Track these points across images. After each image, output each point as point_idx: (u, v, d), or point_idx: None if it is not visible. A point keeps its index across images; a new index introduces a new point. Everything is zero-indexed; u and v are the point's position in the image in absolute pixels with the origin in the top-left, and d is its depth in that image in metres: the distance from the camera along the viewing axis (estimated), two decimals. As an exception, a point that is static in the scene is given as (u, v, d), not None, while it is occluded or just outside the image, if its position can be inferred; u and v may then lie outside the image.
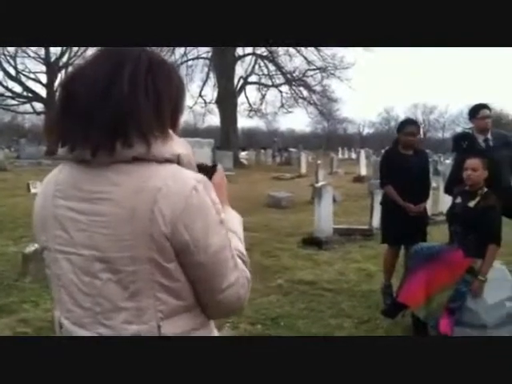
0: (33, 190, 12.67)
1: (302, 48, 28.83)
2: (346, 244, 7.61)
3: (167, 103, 1.18)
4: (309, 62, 31.48)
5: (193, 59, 31.41)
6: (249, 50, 30.70)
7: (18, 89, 34.09)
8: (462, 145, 4.91)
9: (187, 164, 1.17)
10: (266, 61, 32.51)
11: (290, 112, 35.25)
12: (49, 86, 33.50)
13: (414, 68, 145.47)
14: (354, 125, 74.03)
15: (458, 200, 4.10)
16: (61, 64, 34.02)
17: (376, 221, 7.68)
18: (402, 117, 58.30)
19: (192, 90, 31.83)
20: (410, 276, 3.99)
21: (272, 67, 32.61)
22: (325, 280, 5.68)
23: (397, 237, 4.88)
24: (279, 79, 33.33)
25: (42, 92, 34.14)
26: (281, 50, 30.28)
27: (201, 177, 1.16)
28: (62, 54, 33.88)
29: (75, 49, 31.79)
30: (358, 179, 19.05)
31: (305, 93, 33.19)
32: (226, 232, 1.18)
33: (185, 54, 30.19)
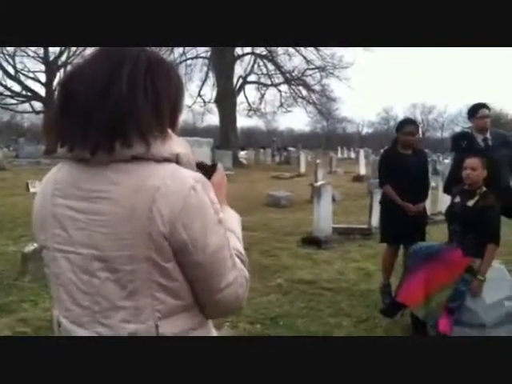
0: (32, 190, 12.65)
1: (301, 47, 28.83)
2: (345, 243, 7.62)
3: (166, 102, 1.18)
4: (308, 62, 31.49)
5: (192, 58, 31.41)
6: (248, 49, 30.68)
7: (16, 88, 34.15)
8: (461, 144, 4.91)
9: (186, 163, 1.17)
10: (265, 60, 32.50)
11: (289, 111, 35.29)
12: (48, 85, 33.50)
13: (413, 68, 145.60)
14: (353, 124, 74.12)
15: (457, 199, 4.10)
16: (60, 63, 34.04)
17: (375, 220, 7.68)
18: (401, 116, 58.42)
19: (191, 89, 31.91)
20: (409, 275, 3.99)
21: (271, 66, 32.62)
22: (324, 279, 5.68)
23: (396, 236, 4.88)
24: (278, 78, 33.34)
25: (41, 91, 34.21)
26: (280, 49, 30.28)
27: (199, 176, 1.16)
28: (61, 54, 33.91)
29: (74, 48, 31.77)
30: (357, 179, 19.07)
31: (304, 92, 33.20)
32: (225, 231, 1.18)
33: (184, 53, 30.16)
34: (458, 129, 46.43)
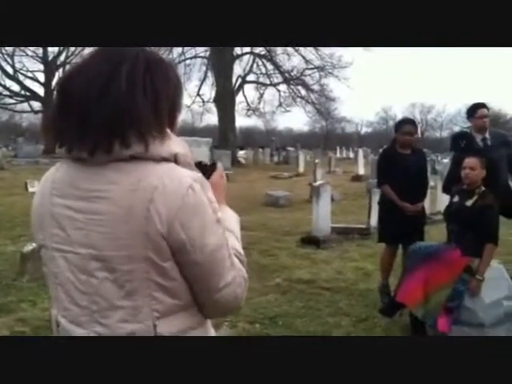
0: (30, 189, 12.66)
1: (300, 47, 28.84)
2: (343, 243, 7.62)
3: (165, 102, 1.17)
4: (307, 61, 31.48)
5: (191, 58, 31.39)
6: (247, 49, 30.65)
7: (15, 87, 34.08)
8: (460, 144, 4.92)
9: (184, 163, 1.17)
10: (264, 60, 32.48)
11: (288, 111, 35.26)
12: (46, 84, 33.42)
13: (412, 67, 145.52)
14: (352, 124, 74.05)
15: (456, 199, 4.10)
16: (58, 63, 33.96)
17: (374, 220, 7.67)
18: (399, 116, 58.31)
19: (190, 88, 31.87)
20: (407, 275, 3.99)
21: (270, 66, 32.60)
22: (323, 279, 5.69)
23: (394, 236, 4.88)
24: (277, 78, 33.32)
25: (40, 91, 34.13)
26: (279, 49, 30.26)
27: (197, 176, 1.16)
28: (60, 53, 33.84)
29: (73, 48, 31.73)
30: (356, 178, 19.08)
31: (303, 92, 33.20)
32: (223, 231, 1.18)
33: (183, 53, 30.15)
34: (456, 128, 46.49)
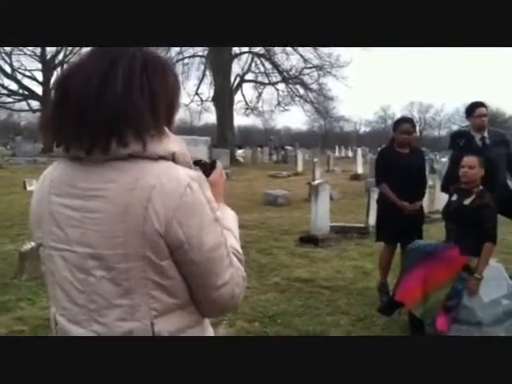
0: (29, 188, 12.66)
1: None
2: (342, 242, 7.62)
3: (162, 101, 1.17)
4: (305, 60, 31.54)
5: (189, 57, 31.41)
6: (245, 48, 30.69)
7: (13, 86, 34.04)
8: (459, 143, 4.92)
9: (182, 162, 1.17)
10: (262, 59, 32.52)
11: (287, 110, 35.36)
12: (45, 83, 33.38)
13: (411, 67, 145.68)
14: (350, 123, 74.01)
15: (454, 198, 4.11)
16: (57, 62, 33.90)
17: (373, 219, 7.66)
18: (398, 115, 58.36)
19: (188, 87, 31.99)
20: (406, 274, 3.99)
21: (268, 65, 32.65)
22: (321, 278, 5.69)
23: (393, 235, 4.88)
24: (276, 77, 33.37)
25: (38, 90, 34.08)
26: (277, 48, 30.29)
27: (195, 174, 1.15)
28: (58, 52, 33.78)
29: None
30: (355, 177, 19.10)
31: (301, 91, 33.25)
32: (221, 230, 1.18)
33: (181, 52, 30.15)
34: (455, 127, 46.50)
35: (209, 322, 1.30)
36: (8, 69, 33.03)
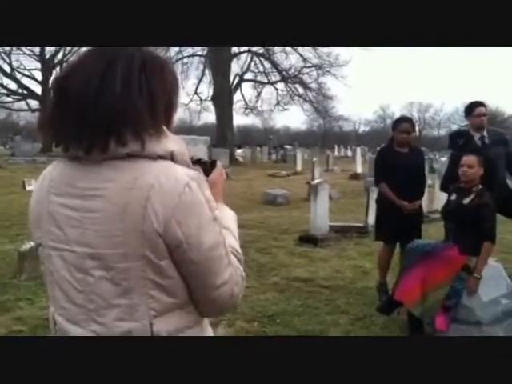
0: (28, 188, 12.66)
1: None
2: (341, 241, 7.62)
3: (161, 100, 1.17)
4: (304, 60, 31.56)
5: (188, 56, 31.41)
6: (244, 47, 30.68)
7: (12, 86, 34.01)
8: (458, 142, 4.92)
9: (181, 161, 1.17)
10: (261, 58, 32.51)
11: (286, 109, 35.39)
12: (44, 83, 33.32)
13: (411, 66, 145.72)
14: (349, 122, 74.11)
15: (453, 197, 4.11)
16: (56, 61, 33.87)
17: (372, 218, 7.67)
18: (397, 114, 58.53)
19: (187, 87, 31.99)
20: (405, 274, 3.99)
21: (268, 65, 32.67)
22: (320, 277, 5.69)
23: (392, 234, 4.88)
24: (275, 76, 33.38)
25: (37, 89, 34.04)
26: (276, 47, 30.29)
27: (194, 173, 1.15)
28: (57, 52, 33.73)
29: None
30: (354, 177, 19.10)
31: (300, 90, 33.27)
32: (220, 229, 1.18)
33: (180, 51, 30.14)
34: (454, 127, 46.58)
35: (208, 322, 1.30)
36: (7, 68, 33.05)
